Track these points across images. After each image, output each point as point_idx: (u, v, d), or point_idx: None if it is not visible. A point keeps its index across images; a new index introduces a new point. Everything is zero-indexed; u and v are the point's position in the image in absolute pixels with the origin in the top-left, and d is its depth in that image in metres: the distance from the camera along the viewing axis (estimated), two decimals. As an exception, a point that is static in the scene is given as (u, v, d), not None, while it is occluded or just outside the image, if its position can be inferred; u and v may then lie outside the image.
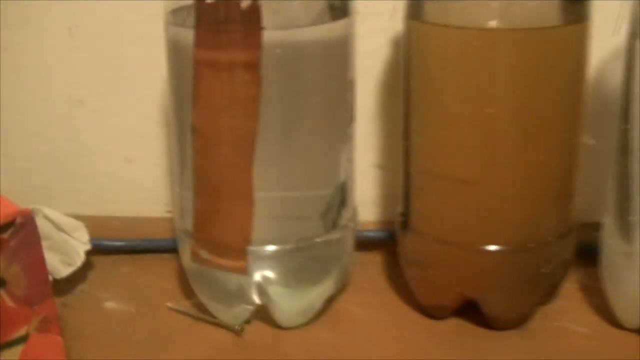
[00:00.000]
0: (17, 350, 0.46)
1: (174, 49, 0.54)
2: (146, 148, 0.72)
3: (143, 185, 0.73)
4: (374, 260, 0.68)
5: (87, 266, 0.65)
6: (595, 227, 0.59)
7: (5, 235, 0.44)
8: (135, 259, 0.68)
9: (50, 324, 0.47)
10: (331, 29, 0.54)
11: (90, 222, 0.66)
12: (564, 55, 0.54)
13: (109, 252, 0.68)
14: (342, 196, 0.58)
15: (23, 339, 0.46)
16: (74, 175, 0.72)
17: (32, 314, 0.46)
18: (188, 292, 0.62)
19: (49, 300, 0.47)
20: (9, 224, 0.44)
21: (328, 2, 0.54)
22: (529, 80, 0.53)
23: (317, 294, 0.58)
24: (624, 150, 0.55)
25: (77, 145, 0.72)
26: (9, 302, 0.45)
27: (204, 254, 0.55)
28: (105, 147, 0.72)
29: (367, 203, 0.71)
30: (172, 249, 0.67)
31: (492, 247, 0.55)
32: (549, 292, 0.61)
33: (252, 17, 0.49)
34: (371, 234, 0.68)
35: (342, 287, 0.62)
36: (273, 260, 0.56)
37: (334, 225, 0.57)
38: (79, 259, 0.63)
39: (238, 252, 0.54)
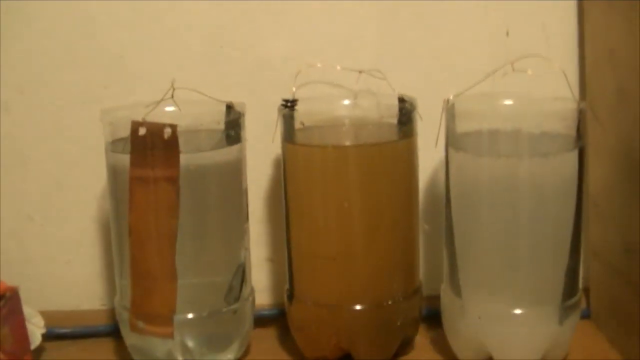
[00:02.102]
0: (7, 394, 0.61)
1: (113, 170, 0.71)
2: (83, 253, 0.86)
3: (81, 284, 0.87)
4: (269, 334, 0.83)
5: (41, 348, 0.79)
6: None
7: (-1, 305, 0.60)
8: (79, 342, 0.82)
9: (30, 373, 0.63)
10: (228, 152, 0.72)
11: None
12: (399, 162, 0.72)
13: (58, 338, 0.82)
14: (242, 278, 0.75)
15: (11, 385, 0.61)
16: (23, 278, 0.81)
17: (18, 365, 0.62)
18: (125, 361, 0.77)
19: (28, 354, 0.63)
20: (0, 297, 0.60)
21: (225, 132, 0.72)
22: (374, 181, 0.71)
23: (227, 355, 0.74)
24: (449, 229, 0.73)
25: (26, 252, 0.86)
26: (1, 355, 0.60)
27: (140, 324, 0.71)
28: (49, 253, 0.86)
29: (261, 289, 0.85)
30: (108, 333, 0.83)
31: (357, 307, 0.72)
32: (406, 344, 0.77)
33: (172, 144, 0.67)
34: (266, 312, 0.84)
35: (245, 352, 0.78)
36: (192, 325, 0.72)
37: (236, 300, 0.74)
38: (37, 340, 0.77)
39: (166, 320, 0.70)
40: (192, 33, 0.82)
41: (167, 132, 0.66)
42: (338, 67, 0.78)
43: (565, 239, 0.70)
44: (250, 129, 0.76)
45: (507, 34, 0.82)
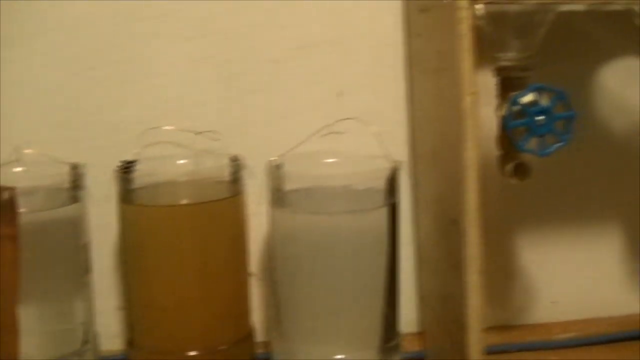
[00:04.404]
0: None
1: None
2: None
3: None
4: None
5: None
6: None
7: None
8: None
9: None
10: (67, 210, 0.78)
11: None
12: (227, 218, 0.78)
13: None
14: (85, 327, 0.80)
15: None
16: None
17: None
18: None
19: None
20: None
21: (67, 191, 0.77)
22: (205, 235, 0.76)
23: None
24: (274, 279, 0.78)
25: None
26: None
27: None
28: None
29: (113, 336, 0.88)
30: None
31: (192, 353, 0.76)
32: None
33: (11, 205, 0.71)
34: (117, 358, 0.86)
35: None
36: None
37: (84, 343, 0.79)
38: None
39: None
40: (48, 100, 0.87)
41: (5, 195, 0.71)
42: (172, 128, 0.84)
43: (378, 287, 0.76)
44: (99, 188, 0.81)
45: (342, 94, 0.89)
